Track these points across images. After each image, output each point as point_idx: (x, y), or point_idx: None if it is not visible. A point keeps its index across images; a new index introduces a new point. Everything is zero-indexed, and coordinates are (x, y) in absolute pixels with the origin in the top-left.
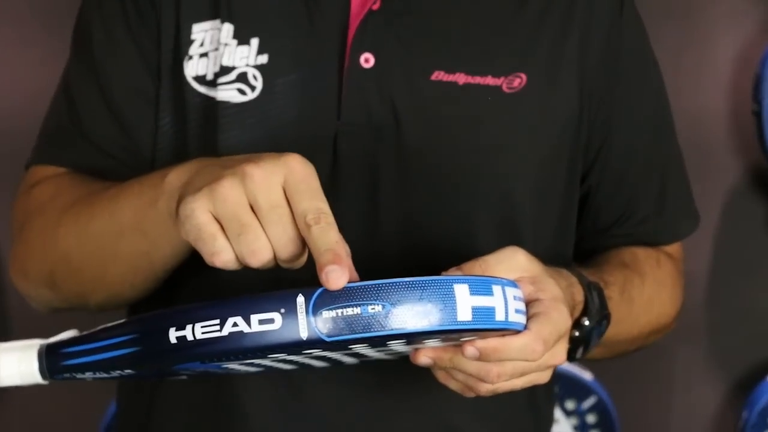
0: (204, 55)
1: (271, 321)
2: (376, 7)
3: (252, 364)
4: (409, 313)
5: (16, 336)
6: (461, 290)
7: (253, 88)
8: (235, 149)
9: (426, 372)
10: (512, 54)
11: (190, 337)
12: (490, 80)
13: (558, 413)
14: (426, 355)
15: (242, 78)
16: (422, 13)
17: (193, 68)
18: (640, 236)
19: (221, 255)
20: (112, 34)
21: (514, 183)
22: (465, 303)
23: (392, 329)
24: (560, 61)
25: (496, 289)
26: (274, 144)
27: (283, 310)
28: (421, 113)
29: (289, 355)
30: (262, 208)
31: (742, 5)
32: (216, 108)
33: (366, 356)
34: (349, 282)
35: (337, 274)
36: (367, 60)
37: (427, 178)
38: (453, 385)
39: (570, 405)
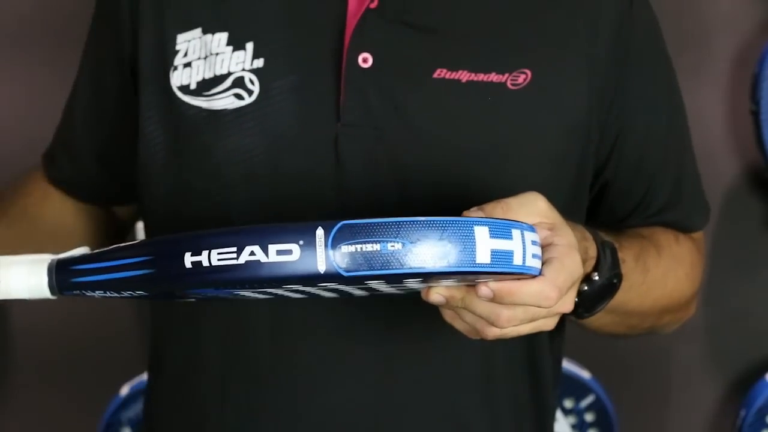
0: (188, 65)
1: (289, 252)
2: (373, 5)
3: (264, 292)
4: (429, 252)
5: (17, 343)
6: (481, 232)
7: (250, 92)
8: (234, 154)
9: (432, 362)
10: (516, 50)
11: (205, 263)
12: (494, 77)
13: (556, 412)
14: (438, 293)
15: (239, 83)
16: (422, 11)
17: (177, 78)
18: (658, 224)
19: None
20: (94, 65)
21: (520, 181)
22: (484, 245)
23: (411, 268)
24: (567, 57)
25: (516, 233)
26: (274, 148)
27: (301, 242)
28: (424, 112)
29: (303, 286)
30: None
31: (740, 5)
32: (210, 117)
33: (378, 291)
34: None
35: None
36: (365, 60)
37: (432, 178)
38: (459, 326)
39: (568, 403)
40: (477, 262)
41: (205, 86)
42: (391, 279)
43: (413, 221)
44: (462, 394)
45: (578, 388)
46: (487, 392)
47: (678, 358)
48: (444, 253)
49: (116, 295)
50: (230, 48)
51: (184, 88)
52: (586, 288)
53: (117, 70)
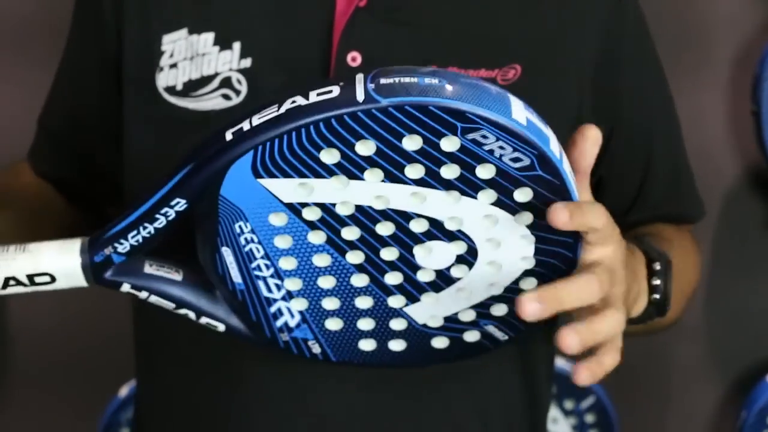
0: (174, 66)
1: (329, 92)
2: (362, 4)
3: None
4: (465, 92)
5: (17, 343)
6: (516, 102)
7: (237, 92)
8: None
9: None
10: (506, 45)
11: (246, 127)
12: (483, 73)
13: (556, 413)
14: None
15: (226, 83)
16: (411, 8)
17: (164, 79)
18: (655, 219)
19: None
20: (75, 56)
21: None
22: (520, 109)
23: (448, 99)
24: (556, 52)
25: (549, 131)
26: None
27: (342, 83)
28: None
29: (342, 144)
30: None
31: (740, 5)
32: (198, 118)
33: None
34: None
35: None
36: (354, 59)
37: None
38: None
39: (568, 405)
40: (513, 116)
41: (192, 87)
42: (430, 116)
43: (452, 72)
44: (453, 393)
45: (578, 390)
46: (479, 391)
47: (678, 358)
48: (479, 97)
49: (150, 228)
50: (217, 48)
51: (171, 89)
52: (658, 282)
53: (100, 71)
